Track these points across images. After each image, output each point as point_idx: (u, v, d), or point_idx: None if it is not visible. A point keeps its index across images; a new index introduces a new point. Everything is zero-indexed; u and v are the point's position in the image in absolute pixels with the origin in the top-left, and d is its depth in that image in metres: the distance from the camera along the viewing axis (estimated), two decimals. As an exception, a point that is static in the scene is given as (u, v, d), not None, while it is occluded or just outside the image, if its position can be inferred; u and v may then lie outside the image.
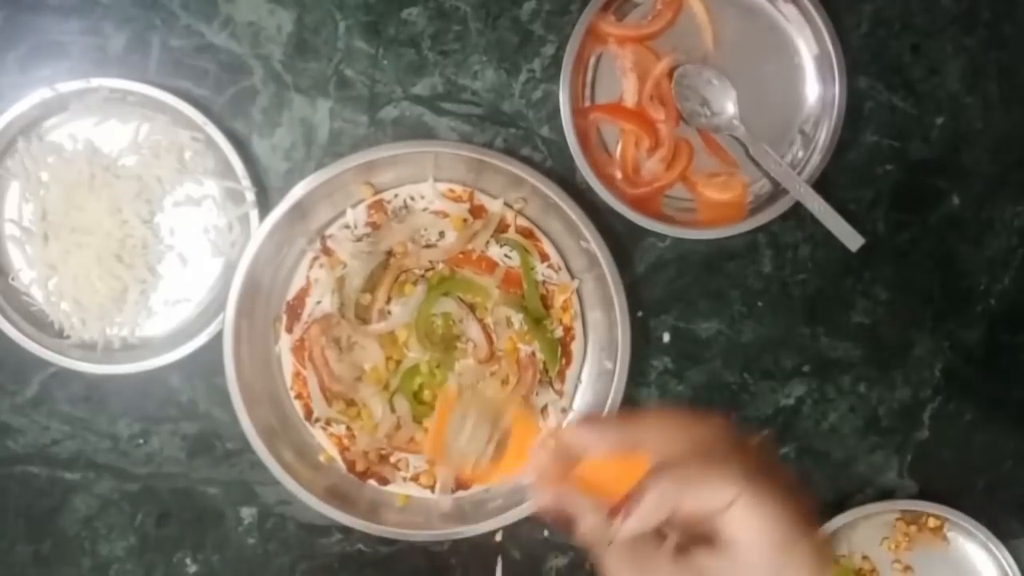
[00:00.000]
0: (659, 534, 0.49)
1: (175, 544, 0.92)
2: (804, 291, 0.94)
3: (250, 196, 0.88)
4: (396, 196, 0.90)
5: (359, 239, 0.89)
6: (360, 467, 0.90)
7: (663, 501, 0.47)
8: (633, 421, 0.51)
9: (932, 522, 0.94)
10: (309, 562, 0.93)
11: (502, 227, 0.90)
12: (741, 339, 0.94)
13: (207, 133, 0.86)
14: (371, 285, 0.89)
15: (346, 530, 0.91)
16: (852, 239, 0.91)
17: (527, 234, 0.91)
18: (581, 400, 0.92)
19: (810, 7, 0.89)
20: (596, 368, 0.91)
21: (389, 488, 0.91)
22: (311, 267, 0.90)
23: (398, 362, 0.89)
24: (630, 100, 0.91)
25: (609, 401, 0.87)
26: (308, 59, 0.90)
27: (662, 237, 0.92)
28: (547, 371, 0.90)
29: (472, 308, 0.90)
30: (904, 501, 0.94)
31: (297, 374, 0.90)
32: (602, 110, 0.92)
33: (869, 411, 0.95)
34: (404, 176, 0.89)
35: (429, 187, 0.89)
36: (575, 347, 0.91)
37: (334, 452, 0.91)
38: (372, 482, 0.91)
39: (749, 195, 0.92)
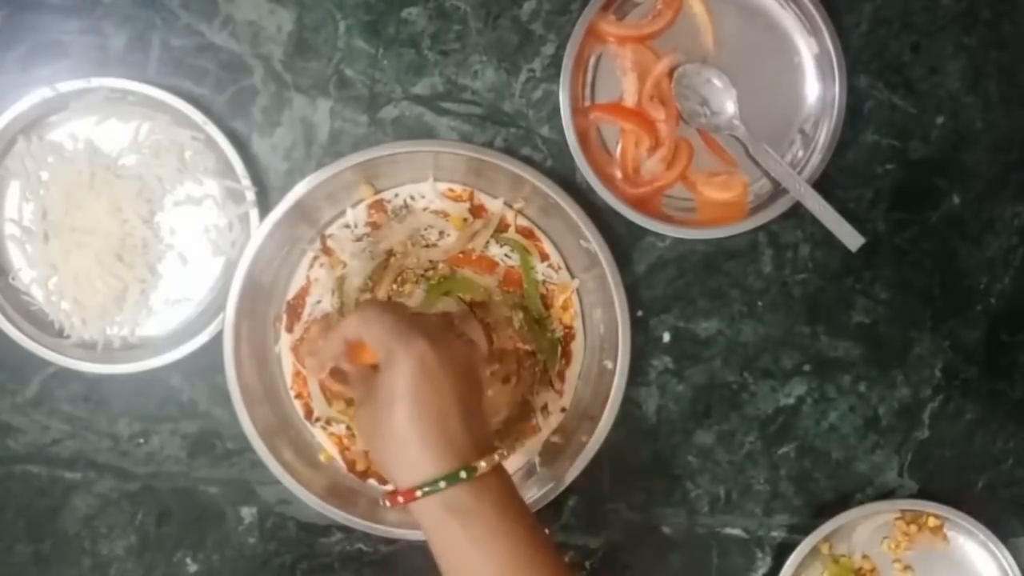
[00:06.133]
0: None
1: (175, 543, 0.93)
2: (804, 291, 0.94)
3: (250, 195, 0.88)
4: (396, 196, 0.90)
5: (359, 239, 0.89)
6: (360, 467, 0.90)
7: (336, 339, 0.74)
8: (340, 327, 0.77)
9: (932, 522, 0.94)
10: (309, 562, 0.93)
11: (502, 227, 0.90)
12: (741, 339, 0.94)
13: (207, 132, 0.86)
14: (371, 285, 0.89)
15: (346, 530, 0.92)
16: (852, 239, 0.91)
17: (527, 234, 0.91)
18: (581, 400, 0.91)
19: (810, 7, 0.89)
20: (596, 368, 0.91)
21: (389, 487, 0.91)
22: (311, 267, 0.90)
23: (398, 362, 0.89)
24: (630, 100, 0.91)
25: (609, 401, 0.87)
26: (308, 59, 0.90)
27: (662, 237, 0.92)
28: (547, 371, 0.90)
29: (472, 308, 0.90)
30: (904, 501, 0.94)
31: (297, 373, 0.90)
32: (602, 110, 0.92)
33: (869, 411, 0.95)
34: (404, 176, 0.89)
35: (429, 187, 0.89)
36: (575, 347, 0.91)
37: (334, 452, 0.91)
38: (372, 481, 0.91)
39: (749, 195, 0.92)
